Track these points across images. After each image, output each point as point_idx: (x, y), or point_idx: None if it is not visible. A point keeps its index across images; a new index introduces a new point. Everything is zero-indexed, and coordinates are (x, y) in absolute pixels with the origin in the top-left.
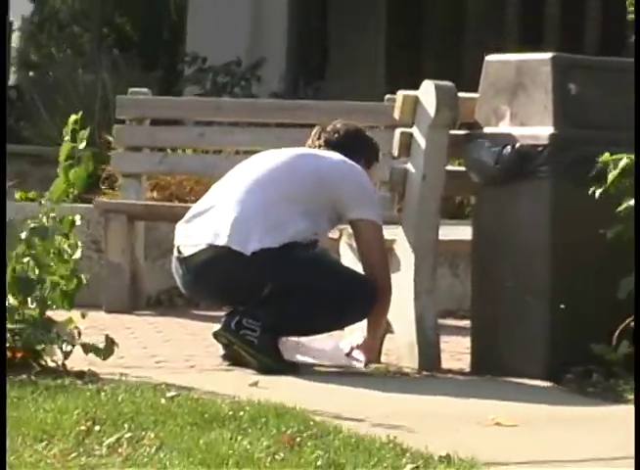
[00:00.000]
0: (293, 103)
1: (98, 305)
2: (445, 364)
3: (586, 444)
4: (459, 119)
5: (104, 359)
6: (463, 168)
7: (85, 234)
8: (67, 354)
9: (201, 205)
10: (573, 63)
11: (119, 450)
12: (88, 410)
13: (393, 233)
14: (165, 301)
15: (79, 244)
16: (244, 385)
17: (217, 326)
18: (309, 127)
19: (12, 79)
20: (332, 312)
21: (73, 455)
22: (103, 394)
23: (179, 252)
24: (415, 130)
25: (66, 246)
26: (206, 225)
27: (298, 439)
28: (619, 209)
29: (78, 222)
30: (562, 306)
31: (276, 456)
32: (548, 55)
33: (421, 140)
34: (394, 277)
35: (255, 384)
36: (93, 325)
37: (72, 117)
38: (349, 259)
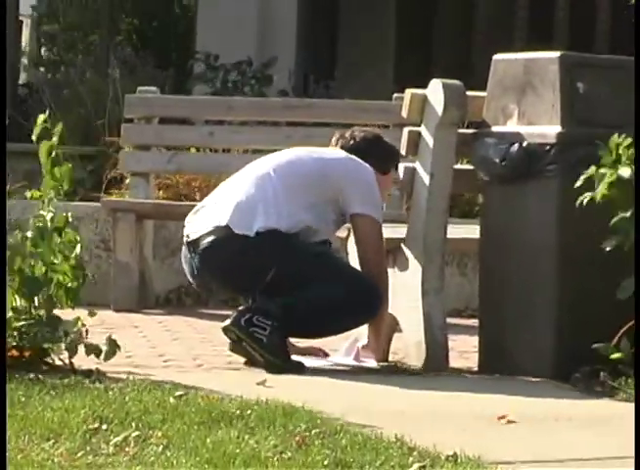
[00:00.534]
0: (302, 101)
1: (107, 303)
2: (453, 363)
3: (592, 443)
4: (467, 118)
5: (105, 361)
6: (471, 167)
7: (94, 233)
8: (73, 353)
9: (208, 199)
10: (581, 61)
11: (127, 449)
12: (95, 409)
13: (402, 232)
14: (174, 299)
15: (78, 239)
16: (251, 384)
17: (227, 321)
18: (319, 126)
19: (23, 77)
20: (342, 315)
21: (80, 454)
22: (110, 392)
23: (187, 237)
24: (423, 129)
25: (65, 242)
26: (213, 212)
27: (306, 438)
28: (613, 221)
29: (70, 219)
30: None
31: (283, 455)
32: (556, 54)
33: (429, 139)
34: (402, 276)
35: (263, 383)
36: (101, 324)
37: (41, 117)
38: (357, 259)
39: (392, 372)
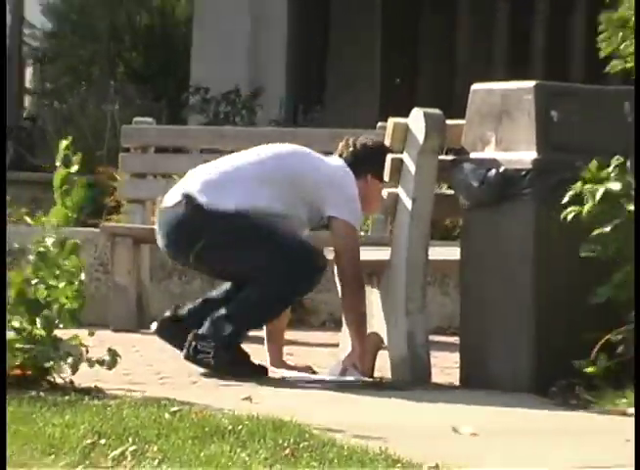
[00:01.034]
0: (291, 131)
1: (105, 324)
2: (436, 379)
3: (568, 453)
4: (447, 145)
5: (109, 369)
6: (451, 192)
7: (93, 257)
8: (74, 371)
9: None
10: (556, 90)
11: (124, 463)
12: (94, 425)
13: (386, 254)
14: None
15: (81, 266)
16: (243, 401)
17: (183, 352)
18: None
19: (27, 111)
20: (276, 292)
21: (80, 468)
22: (108, 409)
23: (160, 205)
24: (405, 156)
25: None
26: (185, 183)
27: (295, 451)
28: (594, 233)
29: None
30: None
31: (273, 468)
32: (531, 83)
33: (411, 165)
34: (387, 296)
35: (249, 398)
36: (101, 343)
37: (64, 143)
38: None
39: (377, 387)
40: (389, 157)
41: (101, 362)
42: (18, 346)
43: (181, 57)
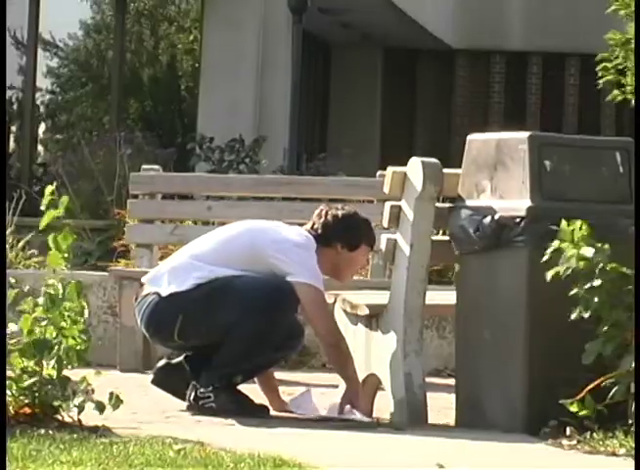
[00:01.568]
0: (293, 178)
1: (113, 364)
2: (432, 419)
3: None
4: (444, 193)
5: (114, 409)
6: (447, 238)
7: (102, 300)
8: (81, 410)
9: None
10: (549, 141)
11: None
12: (101, 462)
13: (384, 298)
14: None
15: (85, 306)
16: (245, 438)
17: (186, 402)
18: (310, 201)
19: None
20: (254, 326)
21: None
22: (115, 446)
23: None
24: (404, 203)
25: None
26: (153, 276)
27: None
28: (572, 293)
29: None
30: None
31: None
32: (525, 134)
33: (409, 212)
34: (385, 339)
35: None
36: (109, 383)
37: (49, 188)
38: (344, 325)
39: (376, 427)
40: (388, 204)
41: (102, 407)
42: (27, 384)
43: (187, 107)
